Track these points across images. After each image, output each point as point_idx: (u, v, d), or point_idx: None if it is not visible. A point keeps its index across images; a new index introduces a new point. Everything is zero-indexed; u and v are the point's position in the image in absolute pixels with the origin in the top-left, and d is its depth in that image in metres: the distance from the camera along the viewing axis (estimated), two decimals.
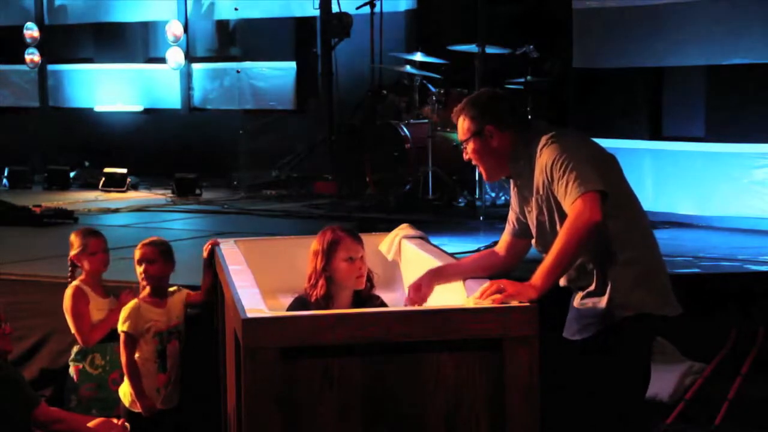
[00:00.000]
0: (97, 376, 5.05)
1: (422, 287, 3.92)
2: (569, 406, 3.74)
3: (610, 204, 3.51)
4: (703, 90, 8.29)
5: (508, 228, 3.96)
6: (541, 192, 3.64)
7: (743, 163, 7.88)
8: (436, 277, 3.94)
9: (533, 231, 3.78)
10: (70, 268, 5.16)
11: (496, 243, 4.07)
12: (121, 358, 4.75)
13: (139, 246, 4.87)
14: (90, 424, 3.99)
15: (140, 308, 4.77)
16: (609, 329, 3.57)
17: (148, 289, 4.84)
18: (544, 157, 3.58)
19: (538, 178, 3.62)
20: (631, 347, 3.65)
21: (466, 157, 3.83)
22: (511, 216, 3.94)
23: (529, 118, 3.89)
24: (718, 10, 7.99)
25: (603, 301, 3.57)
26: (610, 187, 3.51)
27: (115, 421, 4.22)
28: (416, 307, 3.77)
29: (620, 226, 3.58)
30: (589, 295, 3.62)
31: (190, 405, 5.01)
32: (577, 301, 3.67)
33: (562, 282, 3.70)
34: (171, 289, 4.99)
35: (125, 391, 4.81)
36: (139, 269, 4.83)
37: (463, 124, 3.78)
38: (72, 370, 5.10)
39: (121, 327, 4.75)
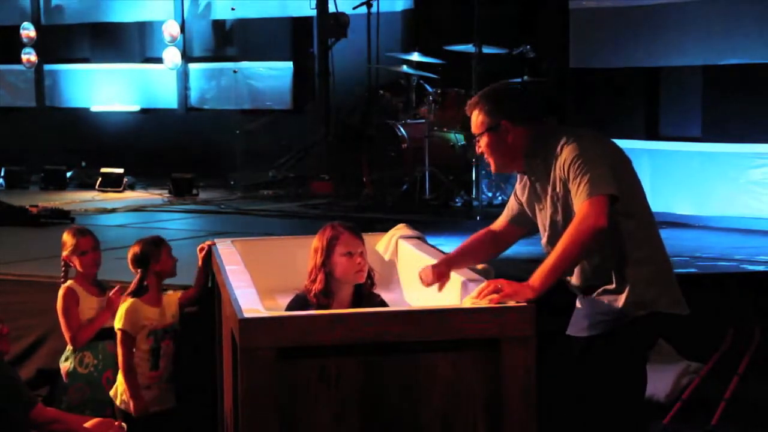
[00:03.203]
0: (87, 375, 5.03)
1: (442, 275, 3.88)
2: (569, 404, 3.75)
3: (627, 204, 3.54)
4: (699, 90, 8.29)
5: (506, 213, 3.96)
6: (557, 189, 3.63)
7: (740, 162, 7.89)
8: (450, 264, 3.92)
9: (544, 230, 3.76)
10: (63, 268, 5.16)
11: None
12: (119, 356, 4.75)
13: (152, 241, 4.86)
14: (87, 425, 3.99)
15: (137, 307, 4.77)
16: (621, 327, 3.58)
17: (154, 285, 4.83)
18: (564, 154, 3.58)
19: (557, 175, 3.61)
20: (640, 346, 3.68)
21: (478, 150, 3.80)
22: (512, 203, 3.94)
23: (542, 114, 3.83)
24: (715, 11, 7.99)
25: (621, 299, 3.58)
26: (625, 189, 3.54)
27: (113, 421, 4.22)
28: (413, 308, 3.77)
29: (637, 225, 3.60)
30: (606, 293, 3.62)
31: (187, 405, 5.01)
32: (589, 298, 3.67)
33: (573, 283, 3.71)
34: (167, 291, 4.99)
35: (117, 392, 4.81)
36: (167, 264, 4.83)
37: (477, 118, 3.75)
38: (61, 371, 5.10)
39: (118, 325, 4.74)
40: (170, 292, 4.98)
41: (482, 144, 3.76)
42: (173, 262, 4.91)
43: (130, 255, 4.88)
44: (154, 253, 4.84)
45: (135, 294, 4.80)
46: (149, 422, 4.75)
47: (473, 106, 3.78)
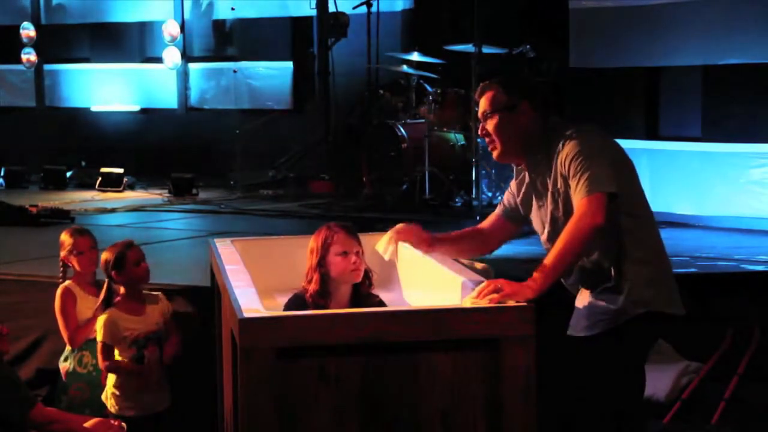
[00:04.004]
0: (86, 375, 5.03)
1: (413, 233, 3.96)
2: (569, 403, 3.75)
3: (627, 203, 3.54)
4: (699, 90, 8.30)
5: (500, 208, 3.95)
6: (559, 185, 3.63)
7: (740, 162, 7.89)
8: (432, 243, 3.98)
9: (543, 227, 3.76)
10: (61, 268, 5.16)
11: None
12: (100, 365, 4.76)
13: (119, 252, 4.78)
14: (86, 425, 3.99)
15: (115, 318, 4.74)
16: (620, 326, 3.58)
17: (123, 292, 4.80)
18: (566, 149, 3.58)
19: (558, 170, 3.61)
20: (639, 345, 3.68)
21: (482, 132, 3.76)
22: (507, 200, 3.93)
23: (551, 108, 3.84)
24: (715, 10, 7.99)
25: (620, 299, 3.58)
26: (625, 187, 3.54)
27: (112, 421, 4.22)
28: (413, 308, 3.77)
29: (634, 225, 3.60)
30: (604, 292, 3.62)
31: (185, 405, 5.00)
32: (588, 297, 3.67)
33: (572, 282, 3.71)
34: (154, 292, 4.96)
35: (107, 395, 4.81)
36: (133, 272, 4.77)
37: (494, 96, 3.71)
38: (61, 371, 5.10)
39: (99, 337, 4.74)
40: (158, 298, 4.95)
41: (490, 125, 3.71)
42: (142, 270, 4.80)
43: None
44: (116, 263, 4.77)
45: (105, 304, 4.79)
46: (145, 424, 4.75)
47: (489, 87, 3.74)
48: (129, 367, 4.73)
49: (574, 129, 3.65)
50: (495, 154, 3.78)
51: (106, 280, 4.81)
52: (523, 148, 3.74)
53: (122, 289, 4.81)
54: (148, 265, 4.85)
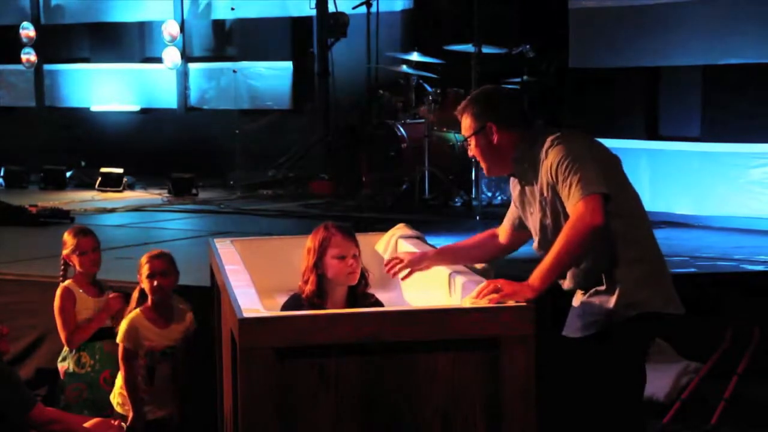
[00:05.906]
0: (85, 375, 5.03)
1: (424, 261, 4.04)
2: (567, 404, 3.74)
3: (615, 204, 3.53)
4: (699, 90, 8.30)
5: (509, 217, 3.97)
6: (546, 194, 3.62)
7: (739, 162, 7.89)
8: (440, 257, 4.03)
9: (535, 234, 3.76)
10: (62, 267, 5.15)
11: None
12: (121, 372, 4.75)
13: (146, 259, 4.78)
14: (86, 425, 3.99)
15: (138, 324, 4.72)
16: (614, 327, 3.58)
17: (150, 302, 4.79)
18: (550, 158, 3.58)
19: (544, 179, 3.61)
20: (634, 345, 3.67)
21: (470, 153, 3.84)
22: (511, 206, 3.95)
23: (532, 118, 3.86)
24: (714, 10, 8.00)
25: (611, 300, 3.57)
26: (613, 188, 3.53)
27: (112, 422, 4.22)
28: (413, 308, 3.77)
29: (625, 225, 3.59)
30: (597, 293, 3.61)
31: (186, 405, 5.00)
32: (582, 299, 3.67)
33: (566, 285, 3.70)
34: (186, 310, 4.96)
35: (114, 394, 4.81)
36: (147, 284, 4.75)
37: (465, 122, 3.79)
38: (59, 371, 5.10)
39: (119, 339, 4.73)
40: (187, 312, 4.94)
41: (472, 147, 3.80)
42: (150, 283, 4.73)
43: None
44: (139, 268, 4.78)
45: (137, 304, 4.78)
46: (149, 426, 4.75)
47: (462, 110, 3.81)
48: (139, 396, 4.72)
49: (555, 136, 3.64)
50: (485, 172, 3.90)
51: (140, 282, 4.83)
52: (505, 163, 3.78)
53: (150, 297, 4.80)
54: (167, 280, 4.77)
